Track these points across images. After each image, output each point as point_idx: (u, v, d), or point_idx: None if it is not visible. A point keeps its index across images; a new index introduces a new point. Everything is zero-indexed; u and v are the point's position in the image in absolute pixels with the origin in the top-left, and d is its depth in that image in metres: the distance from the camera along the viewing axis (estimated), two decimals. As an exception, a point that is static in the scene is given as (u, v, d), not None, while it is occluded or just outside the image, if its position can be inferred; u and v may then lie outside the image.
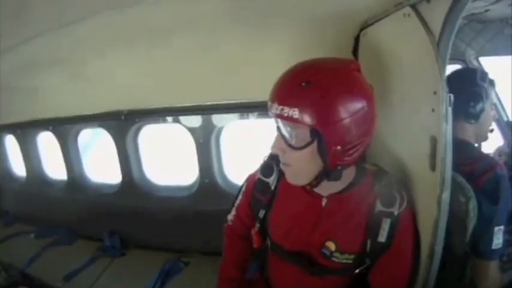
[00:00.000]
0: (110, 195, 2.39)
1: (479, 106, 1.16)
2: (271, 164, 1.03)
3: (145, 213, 2.25)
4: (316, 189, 0.93)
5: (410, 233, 0.91)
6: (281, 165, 0.90)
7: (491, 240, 1.03)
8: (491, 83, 1.21)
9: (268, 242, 1.08)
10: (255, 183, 1.07)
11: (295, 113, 0.76)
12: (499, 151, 1.62)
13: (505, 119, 1.83)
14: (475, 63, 1.84)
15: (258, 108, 1.78)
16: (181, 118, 1.99)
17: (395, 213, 0.87)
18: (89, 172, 2.55)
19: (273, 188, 1.03)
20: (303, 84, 0.77)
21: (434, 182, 0.83)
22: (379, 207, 0.89)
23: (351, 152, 0.80)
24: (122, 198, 2.33)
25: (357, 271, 0.95)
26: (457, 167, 0.87)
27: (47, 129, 2.53)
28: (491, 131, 1.27)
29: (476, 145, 1.25)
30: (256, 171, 1.09)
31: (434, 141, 0.83)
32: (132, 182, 2.25)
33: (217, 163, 2.02)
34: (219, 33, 1.48)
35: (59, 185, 2.67)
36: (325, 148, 0.79)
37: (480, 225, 1.02)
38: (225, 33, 1.48)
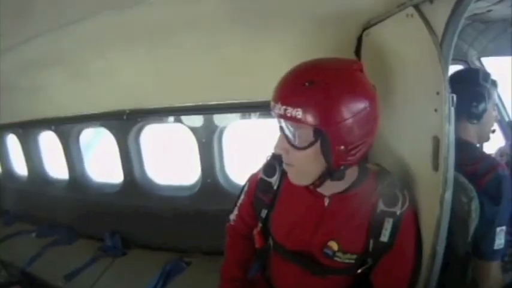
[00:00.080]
0: (112, 194, 2.39)
1: (481, 106, 1.16)
2: (274, 163, 1.03)
3: (147, 212, 2.25)
4: (318, 189, 0.93)
5: (413, 233, 0.91)
6: (284, 165, 0.90)
7: (493, 240, 1.04)
8: (494, 83, 1.21)
9: (271, 242, 1.08)
10: (258, 183, 1.07)
11: (298, 113, 0.76)
12: (501, 152, 1.62)
13: (507, 119, 1.84)
14: (477, 63, 1.84)
15: (260, 108, 1.78)
16: (183, 118, 2.00)
17: (398, 213, 0.87)
18: (91, 171, 2.56)
19: (275, 187, 1.03)
20: (306, 84, 0.77)
21: (436, 182, 0.83)
22: (381, 207, 0.89)
23: (354, 151, 0.80)
24: (123, 198, 2.33)
25: (359, 271, 0.95)
26: (459, 167, 0.87)
27: (48, 128, 2.54)
28: (493, 131, 1.27)
29: (478, 145, 1.25)
30: (258, 171, 1.10)
31: (437, 141, 0.83)
32: (134, 181, 2.25)
33: (219, 163, 2.02)
34: (220, 33, 1.48)
35: (61, 184, 2.68)
36: (328, 148, 0.79)
37: (482, 226, 1.02)
38: (226, 33, 1.48)
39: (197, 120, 1.96)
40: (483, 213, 1.01)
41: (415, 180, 0.97)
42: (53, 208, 2.72)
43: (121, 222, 2.38)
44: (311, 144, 0.80)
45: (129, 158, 2.21)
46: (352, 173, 0.92)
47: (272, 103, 0.82)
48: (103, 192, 2.48)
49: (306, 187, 0.93)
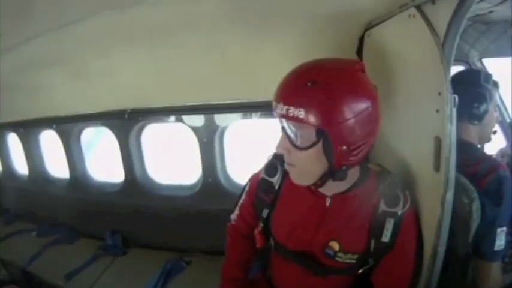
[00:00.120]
0: (112, 194, 2.39)
1: (483, 107, 1.15)
2: (276, 163, 1.03)
3: (148, 212, 2.25)
4: (320, 189, 0.93)
5: (414, 233, 0.91)
6: (286, 165, 0.91)
7: (493, 241, 1.04)
8: (495, 84, 1.21)
9: (272, 242, 1.08)
10: (259, 183, 1.07)
11: (300, 113, 0.76)
12: (502, 153, 1.62)
13: (508, 120, 1.84)
14: (478, 64, 1.84)
15: (261, 108, 1.78)
16: (185, 117, 2.00)
17: (399, 213, 0.87)
18: (92, 171, 2.56)
19: (276, 187, 1.03)
20: (309, 84, 0.77)
21: (438, 182, 0.83)
22: (382, 207, 0.89)
23: (356, 152, 0.80)
24: (124, 197, 2.33)
25: (360, 271, 0.95)
26: (460, 168, 0.87)
27: (49, 127, 2.54)
28: (495, 132, 1.27)
29: (479, 146, 1.25)
30: (260, 171, 1.10)
31: (438, 142, 0.83)
32: (135, 180, 2.25)
33: (220, 162, 2.02)
34: (221, 33, 1.48)
35: (61, 183, 2.68)
36: (330, 148, 0.79)
37: (483, 227, 1.02)
38: (227, 33, 1.48)
39: (198, 120, 1.96)
40: (484, 214, 1.01)
41: (416, 181, 0.97)
42: (53, 207, 2.72)
43: (122, 222, 2.38)
44: (313, 144, 0.80)
45: (130, 157, 2.21)
46: (353, 173, 0.92)
47: (274, 103, 0.83)
48: (104, 191, 2.48)
49: (308, 187, 0.93)
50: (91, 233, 2.53)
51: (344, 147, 0.78)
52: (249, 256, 1.21)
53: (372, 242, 0.90)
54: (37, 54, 1.85)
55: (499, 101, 1.54)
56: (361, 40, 1.34)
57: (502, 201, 1.03)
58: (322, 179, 0.86)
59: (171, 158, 2.47)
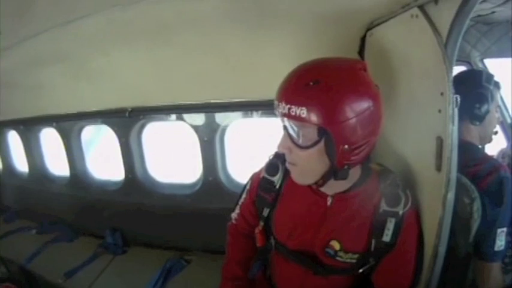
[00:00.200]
0: (113, 192, 2.39)
1: (484, 108, 1.15)
2: (277, 162, 1.03)
3: (148, 210, 2.25)
4: (321, 189, 0.93)
5: (415, 233, 0.91)
6: (287, 165, 0.91)
7: (494, 242, 1.04)
8: (497, 85, 1.21)
9: (272, 241, 1.08)
10: (260, 182, 1.07)
11: (302, 112, 0.76)
12: (503, 153, 1.63)
13: (509, 121, 1.84)
14: (479, 65, 1.84)
15: (262, 106, 1.78)
16: (185, 116, 2.00)
17: (400, 213, 0.87)
18: (92, 169, 2.56)
19: (277, 186, 1.03)
20: (311, 83, 0.77)
21: (439, 182, 0.83)
22: (384, 206, 0.89)
23: (357, 151, 0.80)
24: (124, 196, 2.33)
25: (360, 271, 0.95)
26: (461, 168, 0.87)
27: (50, 125, 2.54)
28: (496, 133, 1.27)
29: (480, 147, 1.25)
30: (260, 170, 1.09)
31: (440, 142, 0.83)
32: (135, 179, 2.25)
33: (221, 161, 2.02)
34: (222, 32, 1.48)
35: (61, 181, 2.68)
36: (332, 147, 0.79)
37: (483, 227, 1.02)
38: (229, 32, 1.48)
39: (199, 119, 1.96)
40: (485, 215, 1.01)
41: (417, 181, 0.97)
42: (53, 205, 2.73)
43: (122, 220, 2.39)
44: (315, 143, 0.80)
45: (131, 155, 2.21)
46: (355, 173, 0.92)
47: (276, 102, 0.82)
48: (104, 189, 2.48)
49: (309, 186, 0.93)
50: (91, 231, 2.53)
51: (346, 146, 0.78)
52: (249, 255, 1.21)
53: (373, 241, 0.90)
54: (38, 52, 1.84)
55: (500, 102, 1.54)
56: (363, 40, 1.34)
57: (502, 201, 1.02)
58: (324, 178, 0.86)
59: (172, 157, 2.47)
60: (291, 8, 1.29)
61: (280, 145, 0.87)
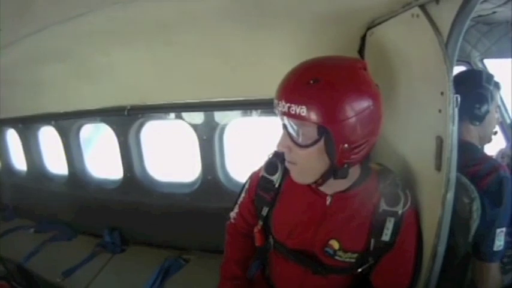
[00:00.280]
0: (111, 190, 2.38)
1: (484, 108, 1.16)
2: (276, 161, 1.03)
3: (146, 209, 2.25)
4: (320, 188, 0.93)
5: (414, 233, 0.91)
6: (286, 164, 0.90)
7: (493, 242, 1.04)
8: (497, 85, 1.21)
9: (271, 241, 1.08)
10: (259, 181, 1.07)
11: (302, 110, 0.76)
12: (502, 153, 1.63)
13: (508, 121, 1.84)
14: (479, 65, 1.84)
15: (261, 105, 1.78)
16: (184, 114, 1.99)
17: (400, 212, 0.87)
18: (90, 167, 2.55)
19: (277, 185, 1.02)
20: (311, 81, 0.77)
21: (439, 182, 0.83)
22: (383, 206, 0.89)
23: (357, 150, 0.80)
24: (123, 194, 2.32)
25: (359, 270, 0.95)
26: (461, 168, 0.87)
27: (48, 123, 2.53)
28: (495, 133, 1.27)
29: (479, 147, 1.25)
30: (259, 169, 1.09)
31: (440, 142, 0.83)
32: (134, 178, 2.24)
33: (220, 160, 2.01)
34: (222, 30, 1.47)
35: (60, 179, 2.67)
36: (332, 146, 0.79)
37: (482, 227, 1.02)
38: (228, 30, 1.47)
39: (198, 117, 1.96)
40: (484, 214, 1.01)
41: (417, 180, 0.97)
42: (52, 204, 2.72)
43: (120, 219, 2.38)
44: (315, 142, 0.80)
45: (130, 154, 2.21)
46: (354, 172, 0.91)
47: (276, 101, 0.82)
48: (103, 188, 2.47)
49: (308, 186, 0.93)
50: (89, 230, 2.52)
51: (346, 145, 0.78)
52: (248, 254, 1.20)
53: (372, 241, 0.90)
54: (37, 50, 1.83)
55: (499, 102, 1.54)
56: (363, 39, 1.33)
57: (502, 201, 1.03)
58: (323, 178, 0.86)
59: (171, 156, 2.46)
60: (291, 7, 1.29)
61: (280, 144, 0.87)
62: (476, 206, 0.99)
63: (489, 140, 1.27)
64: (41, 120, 2.58)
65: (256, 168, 1.12)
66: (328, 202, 0.93)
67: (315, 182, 0.88)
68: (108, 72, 1.91)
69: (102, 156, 2.57)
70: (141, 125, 2.19)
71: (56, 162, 2.72)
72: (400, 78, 1.05)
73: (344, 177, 0.86)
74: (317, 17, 1.31)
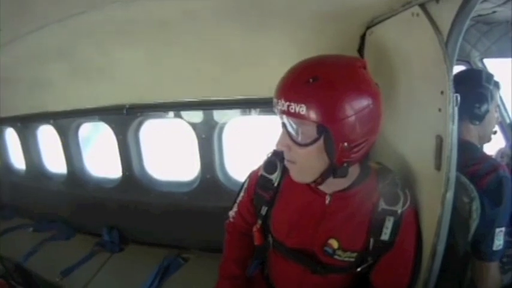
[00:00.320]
0: (110, 189, 2.38)
1: (484, 107, 1.16)
2: (275, 160, 1.03)
3: (145, 208, 2.24)
4: (320, 187, 0.92)
5: (413, 232, 0.91)
6: (285, 163, 0.90)
7: (492, 241, 1.04)
8: (496, 84, 1.21)
9: (270, 240, 1.08)
10: (258, 180, 1.07)
11: (302, 109, 0.75)
12: (501, 153, 1.63)
13: (508, 121, 1.84)
14: (479, 64, 1.84)
15: (260, 104, 1.77)
16: (183, 113, 1.99)
17: (399, 211, 0.87)
18: (89, 166, 2.54)
19: (276, 184, 1.02)
20: (310, 80, 0.76)
21: (439, 181, 0.83)
22: (382, 205, 0.89)
23: (357, 149, 0.80)
24: (121, 193, 2.32)
25: (358, 269, 0.95)
26: (460, 167, 0.86)
27: (47, 122, 2.52)
28: (495, 132, 1.27)
29: (479, 146, 1.25)
30: (258, 168, 1.09)
31: (440, 141, 0.83)
32: (133, 176, 2.24)
33: (219, 159, 2.01)
34: (221, 29, 1.47)
35: (59, 178, 2.66)
36: (331, 145, 0.78)
37: (482, 226, 1.02)
38: (227, 29, 1.47)
39: (197, 116, 1.95)
40: (483, 214, 1.01)
41: (417, 179, 0.96)
42: (50, 203, 2.71)
43: (119, 218, 2.37)
44: (314, 141, 0.80)
45: (128, 153, 2.20)
46: (353, 171, 0.91)
47: (275, 99, 0.82)
48: (101, 187, 2.46)
49: (307, 185, 0.93)
50: (88, 229, 2.51)
51: (345, 144, 0.78)
52: (247, 253, 1.20)
53: (371, 240, 0.90)
54: (35, 49, 1.83)
55: (499, 102, 1.53)
56: (362, 38, 1.33)
57: (501, 201, 1.03)
58: (323, 177, 0.86)
59: (169, 154, 2.45)
60: (290, 6, 1.29)
61: (279, 143, 0.86)
62: (476, 205, 0.99)
63: (489, 140, 1.27)
64: (40, 119, 2.57)
65: (255, 167, 1.12)
66: (327, 201, 0.93)
67: (314, 181, 0.88)
68: (107, 70, 1.91)
69: (100, 155, 2.57)
70: (140, 124, 2.18)
71: (54, 161, 2.71)
72: (400, 77, 1.05)
73: (344, 176, 0.86)
74: (316, 15, 1.30)
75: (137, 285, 1.88)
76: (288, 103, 0.77)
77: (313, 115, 0.75)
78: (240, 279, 1.17)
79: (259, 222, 1.07)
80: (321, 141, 0.79)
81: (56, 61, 1.94)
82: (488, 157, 1.21)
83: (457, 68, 1.26)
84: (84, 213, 2.53)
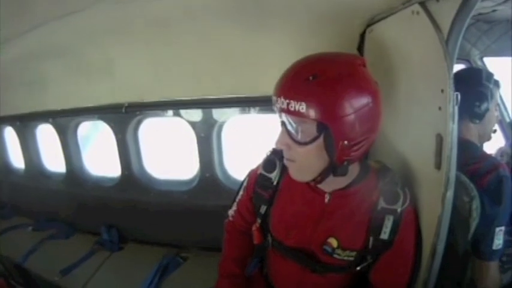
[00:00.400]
0: (109, 188, 2.37)
1: (484, 106, 1.15)
2: (274, 159, 1.02)
3: (144, 207, 2.24)
4: (319, 186, 0.92)
5: (413, 231, 0.91)
6: (285, 161, 0.90)
7: (492, 240, 1.04)
8: (496, 83, 1.21)
9: (269, 239, 1.07)
10: (257, 179, 1.06)
11: (302, 107, 0.75)
12: (501, 152, 1.63)
13: (508, 120, 1.84)
14: (479, 63, 1.83)
15: (259, 103, 1.77)
16: (182, 112, 1.98)
17: (398, 210, 0.87)
18: (88, 165, 2.54)
19: (275, 183, 1.02)
20: (310, 78, 0.76)
21: (439, 180, 0.83)
22: (382, 204, 0.88)
23: (356, 147, 0.79)
24: (121, 192, 2.31)
25: (358, 268, 0.94)
26: (460, 166, 0.86)
27: (46, 121, 2.51)
28: (495, 131, 1.27)
29: (479, 145, 1.25)
30: (258, 167, 1.09)
31: (440, 140, 0.83)
32: (132, 175, 2.23)
33: (218, 158, 2.00)
34: (220, 27, 1.47)
35: (58, 177, 2.65)
36: (331, 143, 0.78)
37: (482, 226, 1.02)
38: (226, 28, 1.47)
39: (196, 115, 1.94)
40: (484, 213, 1.01)
41: (416, 178, 0.96)
42: (50, 202, 2.70)
43: (118, 217, 2.37)
44: (314, 139, 0.79)
45: (127, 151, 2.19)
46: (353, 170, 0.91)
47: (274, 97, 0.81)
48: (100, 186, 2.46)
49: (307, 183, 0.93)
50: (87, 228, 2.51)
51: (345, 142, 0.77)
52: (246, 252, 1.20)
53: (371, 239, 0.90)
54: (35, 47, 1.83)
55: (499, 101, 1.53)
56: (362, 36, 1.33)
57: (501, 200, 1.03)
58: (322, 175, 0.85)
59: (169, 153, 2.45)
60: (290, 5, 1.29)
61: (279, 141, 0.86)
62: (476, 204, 0.99)
63: (489, 138, 1.26)
64: (39, 118, 2.56)
65: (254, 165, 1.11)
66: (326, 200, 0.93)
67: (314, 180, 0.87)
68: (106, 69, 1.90)
69: (99, 154, 2.56)
70: (139, 123, 2.17)
71: (53, 160, 2.71)
72: (400, 76, 1.04)
73: (343, 174, 0.86)
74: (316, 14, 1.30)
75: (136, 284, 1.88)
76: (287, 101, 0.77)
77: (313, 113, 0.75)
78: (239, 278, 1.17)
79: (259, 221, 1.07)
80: (320, 140, 0.79)
81: (55, 60, 1.94)
82: (488, 156, 1.21)
83: (457, 67, 1.26)
84: (83, 212, 2.52)
